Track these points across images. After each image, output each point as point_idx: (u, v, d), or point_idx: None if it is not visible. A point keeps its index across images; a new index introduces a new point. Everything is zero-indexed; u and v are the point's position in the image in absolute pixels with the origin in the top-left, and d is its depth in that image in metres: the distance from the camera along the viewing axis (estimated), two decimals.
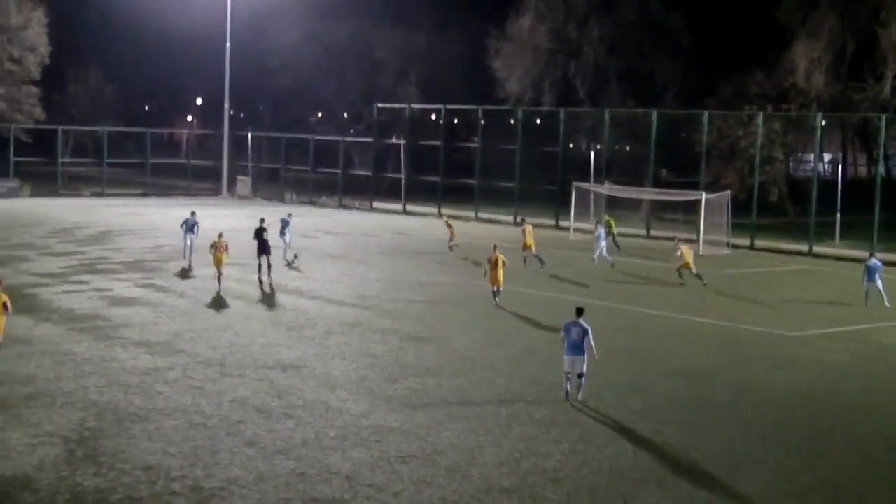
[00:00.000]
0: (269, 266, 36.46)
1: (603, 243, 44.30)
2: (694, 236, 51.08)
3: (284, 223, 42.86)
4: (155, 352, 24.79)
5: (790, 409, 21.73)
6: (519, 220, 50.44)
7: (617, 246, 49.51)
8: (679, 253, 39.54)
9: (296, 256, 41.36)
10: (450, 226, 47.13)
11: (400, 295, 34.50)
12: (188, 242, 40.67)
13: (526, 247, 42.20)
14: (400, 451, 17.88)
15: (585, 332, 21.33)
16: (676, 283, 38.72)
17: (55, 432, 18.34)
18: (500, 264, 32.88)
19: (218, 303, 31.77)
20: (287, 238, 42.43)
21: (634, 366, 25.20)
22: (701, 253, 50.18)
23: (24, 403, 20.03)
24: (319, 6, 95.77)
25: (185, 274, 37.61)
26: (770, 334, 30.11)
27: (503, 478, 16.82)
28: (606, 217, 52.35)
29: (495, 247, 33.98)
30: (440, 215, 66.92)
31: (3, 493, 15.50)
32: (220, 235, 35.55)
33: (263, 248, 36.40)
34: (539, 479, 16.80)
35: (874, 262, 36.55)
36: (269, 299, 32.87)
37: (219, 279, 34.42)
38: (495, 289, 32.99)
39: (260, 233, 36.75)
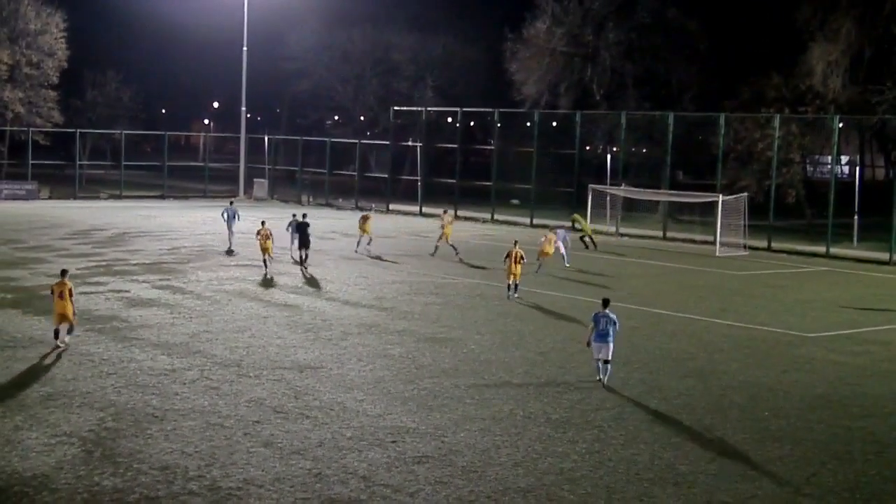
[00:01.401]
0: (307, 257, 40.77)
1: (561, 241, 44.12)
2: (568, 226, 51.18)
3: (291, 223, 43.56)
4: (172, 353, 24.86)
5: (807, 411, 21.66)
6: (443, 210, 52.13)
7: (593, 244, 49.81)
8: (543, 238, 41.52)
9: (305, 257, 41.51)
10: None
11: (416, 297, 34.53)
12: (231, 230, 45.47)
13: (443, 236, 45.33)
14: (416, 452, 17.90)
15: (613, 322, 22.86)
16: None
17: (73, 432, 18.41)
18: (517, 259, 34.27)
19: (235, 304, 31.83)
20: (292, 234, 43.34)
21: (651, 367, 25.17)
22: (718, 254, 50.20)
23: (41, 404, 20.12)
24: (336, 11, 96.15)
25: (218, 264, 37.72)
26: (787, 335, 30.03)
27: (519, 478, 16.81)
28: (575, 215, 52.69)
29: (516, 242, 35.43)
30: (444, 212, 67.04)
31: (21, 493, 15.57)
32: (263, 223, 39.97)
33: (304, 241, 40.76)
34: (556, 480, 16.79)
35: None
36: (285, 300, 32.91)
37: (265, 263, 38.71)
38: (511, 282, 34.42)
39: (302, 227, 40.96)
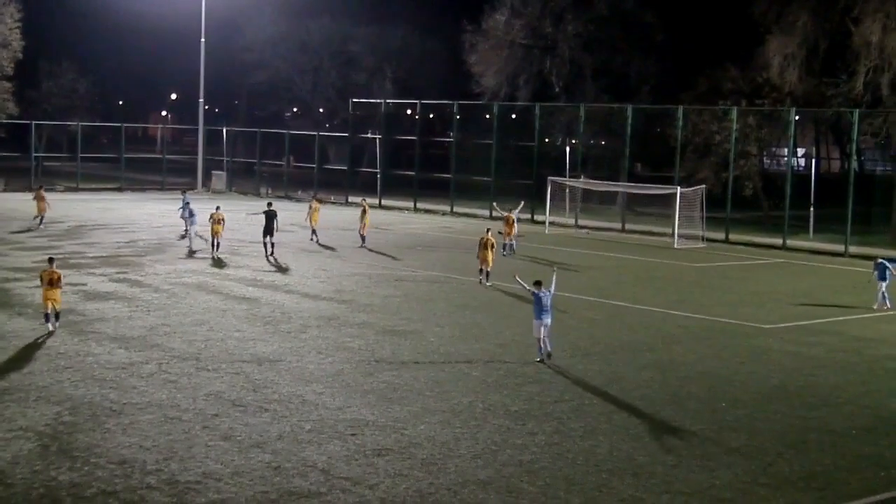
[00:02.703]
0: (273, 245, 41.89)
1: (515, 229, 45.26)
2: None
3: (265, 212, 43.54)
4: (130, 346, 24.71)
5: (764, 402, 21.86)
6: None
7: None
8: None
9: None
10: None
11: (376, 289, 34.50)
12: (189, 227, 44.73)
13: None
14: (376, 445, 17.90)
15: (549, 295, 24.52)
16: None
17: (29, 427, 18.26)
18: (489, 246, 35.97)
19: (193, 297, 31.66)
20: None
21: (609, 358, 25.31)
22: (676, 246, 50.51)
23: None
24: (294, 2, 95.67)
25: (175, 261, 37.50)
26: (744, 327, 30.28)
27: (479, 470, 16.86)
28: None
29: (488, 230, 37.17)
30: (415, 208, 67.07)
31: None
32: (218, 208, 42.03)
33: (269, 229, 41.87)
34: (515, 472, 16.85)
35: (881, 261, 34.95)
36: (244, 293, 32.76)
37: (214, 246, 41.11)
38: (483, 268, 35.83)
39: (269, 215, 42.00)
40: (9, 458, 16.64)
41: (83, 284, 33.33)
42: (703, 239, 52.72)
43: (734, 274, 43.00)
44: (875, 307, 34.05)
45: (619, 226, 59.35)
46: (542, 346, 24.51)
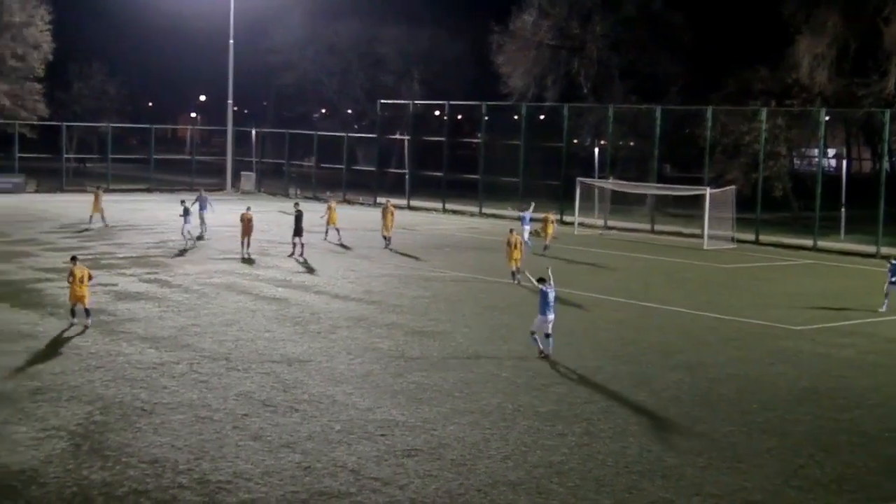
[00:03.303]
0: (303, 246, 41.97)
1: (527, 227, 45.17)
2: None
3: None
4: (160, 346, 24.84)
5: (794, 403, 21.74)
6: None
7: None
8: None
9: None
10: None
11: (405, 290, 34.53)
12: (203, 219, 47.72)
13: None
14: (406, 445, 17.92)
15: (553, 291, 24.98)
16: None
17: (61, 426, 18.39)
18: (517, 245, 36.64)
19: (223, 298, 31.78)
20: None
21: (639, 360, 25.24)
22: (705, 247, 50.33)
23: (29, 398, 20.08)
24: (322, 4, 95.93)
25: (195, 259, 37.64)
26: (774, 328, 30.13)
27: (509, 471, 16.85)
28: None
29: (512, 230, 37.81)
30: (443, 209, 67.11)
31: (10, 487, 15.55)
32: (248, 208, 43.38)
33: (298, 230, 42.00)
34: (545, 473, 16.83)
35: None
36: (273, 294, 32.85)
37: (244, 245, 41.82)
38: (514, 268, 36.09)
39: (297, 217, 42.15)
40: (42, 458, 16.77)
41: (114, 285, 33.52)
42: (732, 240, 52.51)
43: (764, 275, 42.79)
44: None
45: (648, 227, 59.18)
46: (542, 341, 24.80)
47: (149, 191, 76.82)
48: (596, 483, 16.47)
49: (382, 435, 18.44)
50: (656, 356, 25.79)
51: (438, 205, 68.79)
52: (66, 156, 78.77)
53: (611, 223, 59.70)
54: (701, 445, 18.53)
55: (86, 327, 26.47)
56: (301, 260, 40.73)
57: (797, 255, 49.75)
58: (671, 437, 18.96)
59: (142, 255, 41.31)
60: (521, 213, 47.06)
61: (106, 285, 33.28)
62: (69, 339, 25.40)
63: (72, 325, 26.64)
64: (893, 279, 33.50)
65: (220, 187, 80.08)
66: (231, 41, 78.95)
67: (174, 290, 32.97)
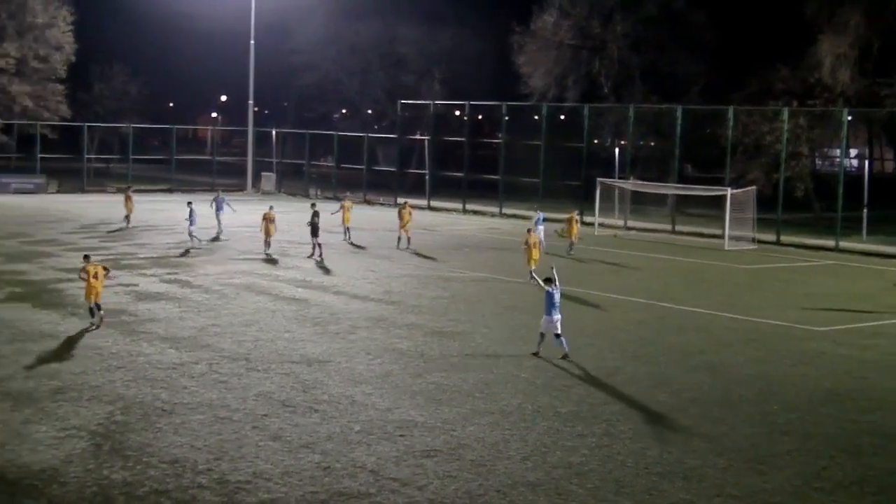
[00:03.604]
0: (320, 246, 41.94)
1: (541, 227, 45.18)
2: None
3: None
4: (180, 346, 24.90)
5: (816, 405, 21.62)
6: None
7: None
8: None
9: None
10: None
11: (424, 290, 34.52)
12: (219, 218, 48.72)
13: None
14: (425, 446, 17.90)
15: (558, 291, 25.14)
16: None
17: (82, 426, 18.45)
18: (536, 245, 36.84)
19: (243, 298, 31.85)
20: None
21: (659, 360, 25.15)
22: (726, 248, 50.15)
23: (50, 397, 20.16)
24: (342, 4, 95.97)
25: (212, 259, 37.75)
26: (796, 329, 29.98)
27: (528, 472, 16.81)
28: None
29: (529, 230, 38.04)
30: (464, 210, 67.09)
31: (31, 486, 15.61)
32: (271, 207, 44.06)
33: (314, 231, 42.10)
34: (565, 474, 16.78)
35: None
36: (293, 294, 32.90)
37: (266, 244, 42.39)
38: (533, 267, 35.83)
39: (313, 218, 42.21)
40: (62, 457, 16.82)
41: (135, 285, 33.63)
42: (753, 240, 52.30)
43: (785, 276, 42.60)
44: None
45: (668, 227, 59.01)
46: (548, 340, 24.84)
47: (170, 191, 77.03)
48: (616, 484, 16.41)
49: (402, 435, 18.43)
50: (676, 357, 25.70)
51: (458, 205, 68.79)
52: (87, 156, 79.07)
53: (631, 223, 59.57)
54: (721, 447, 18.45)
55: (101, 321, 26.89)
56: (318, 260, 40.75)
57: (819, 256, 49.52)
58: (691, 439, 18.88)
59: (162, 255, 41.44)
60: (535, 217, 47.37)
61: (127, 285, 33.40)
62: (90, 339, 25.48)
63: (92, 325, 26.75)
64: None
65: (240, 188, 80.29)
66: (252, 41, 79.17)
67: (194, 291, 33.05)
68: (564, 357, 24.54)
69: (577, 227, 45.79)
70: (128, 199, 52.30)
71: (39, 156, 75.28)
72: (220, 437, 18.00)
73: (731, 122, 58.85)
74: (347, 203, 49.16)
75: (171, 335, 26.16)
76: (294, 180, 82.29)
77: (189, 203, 46.48)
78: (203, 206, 49.92)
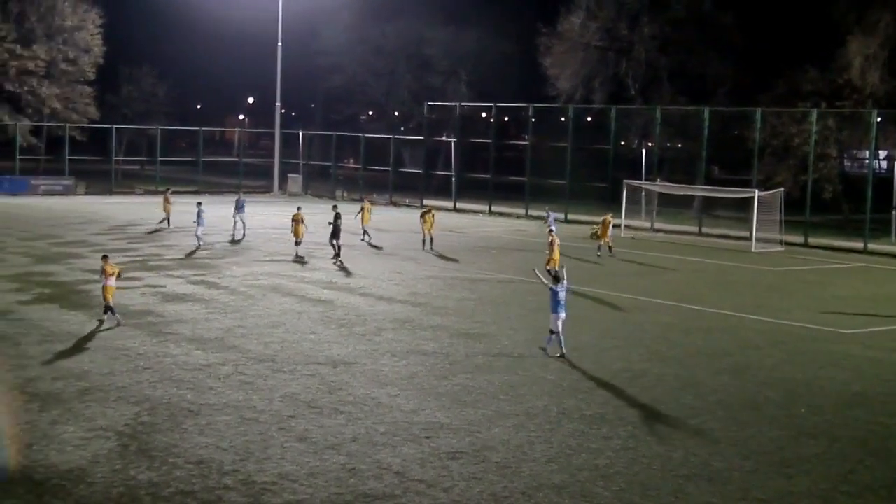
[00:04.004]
0: (339, 247, 42.01)
1: (553, 227, 45.34)
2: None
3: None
4: (207, 348, 24.98)
5: (844, 408, 21.49)
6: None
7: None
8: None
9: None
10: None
11: (450, 292, 34.52)
12: (239, 220, 48.75)
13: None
14: (450, 448, 17.89)
15: (567, 290, 25.30)
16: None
17: (109, 426, 18.54)
18: (555, 246, 37.66)
19: (269, 299, 31.93)
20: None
21: (685, 363, 25.06)
22: (753, 250, 49.95)
23: (78, 398, 20.27)
24: (369, 6, 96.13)
25: (236, 258, 37.85)
26: (824, 332, 29.80)
27: (554, 474, 16.78)
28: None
29: (550, 231, 39.11)
30: (490, 211, 67.06)
31: (58, 486, 15.69)
32: (299, 208, 44.34)
33: (336, 233, 42.18)
34: (590, 476, 16.74)
35: None
36: (319, 296, 32.96)
37: (297, 244, 42.64)
38: (555, 268, 35.55)
39: (335, 220, 42.33)
40: (89, 458, 16.91)
41: (162, 286, 33.77)
42: (781, 242, 52.04)
43: (813, 278, 42.37)
44: None
45: (695, 229, 58.81)
46: (560, 340, 24.92)
47: (197, 193, 77.23)
48: (641, 487, 16.36)
49: (427, 437, 18.43)
50: (703, 359, 25.60)
51: (485, 207, 68.79)
52: (115, 158, 79.51)
53: (658, 225, 59.38)
54: (748, 449, 18.35)
55: (101, 323, 27.20)
56: (339, 262, 40.78)
57: (847, 258, 49.23)
58: (717, 441, 18.80)
59: (189, 256, 41.59)
60: (548, 217, 48.14)
61: (154, 287, 33.55)
62: (117, 340, 25.59)
63: (118, 324, 26.93)
64: None
65: (267, 189, 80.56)
66: (279, 44, 79.42)
67: (221, 292, 33.16)
68: (561, 356, 24.61)
69: (609, 229, 45.73)
70: (166, 200, 52.61)
71: (68, 157, 75.81)
72: (246, 438, 18.05)
73: (759, 123, 58.61)
74: (367, 205, 49.42)
75: (198, 336, 26.25)
76: (320, 182, 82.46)
77: (198, 203, 46.50)
78: (220, 208, 50.15)
